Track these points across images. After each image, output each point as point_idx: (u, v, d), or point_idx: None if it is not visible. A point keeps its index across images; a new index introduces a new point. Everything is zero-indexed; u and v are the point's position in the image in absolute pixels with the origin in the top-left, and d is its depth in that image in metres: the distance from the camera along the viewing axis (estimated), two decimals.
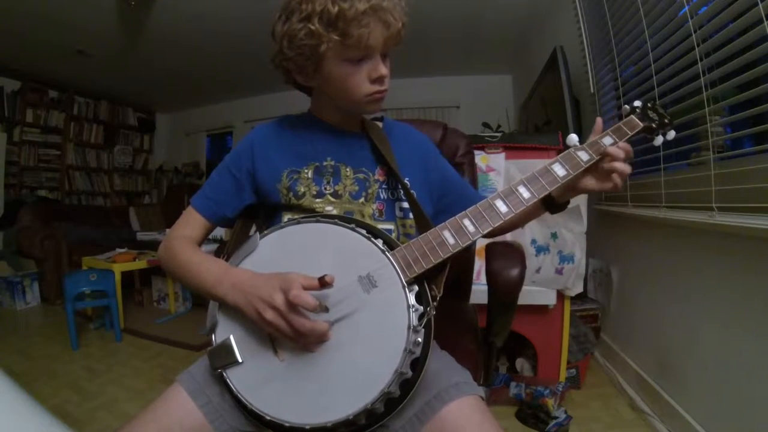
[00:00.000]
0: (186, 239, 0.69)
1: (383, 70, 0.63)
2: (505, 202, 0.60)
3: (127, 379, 1.83)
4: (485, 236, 0.67)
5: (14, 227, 3.24)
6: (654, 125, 0.68)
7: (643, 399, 1.48)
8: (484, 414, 0.55)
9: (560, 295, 1.54)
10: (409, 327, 0.51)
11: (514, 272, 0.71)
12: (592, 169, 0.64)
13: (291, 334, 0.52)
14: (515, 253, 0.77)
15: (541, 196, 0.61)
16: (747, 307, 1.03)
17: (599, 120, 0.67)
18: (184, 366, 0.63)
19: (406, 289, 0.53)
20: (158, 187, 5.42)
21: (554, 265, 1.49)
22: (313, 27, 0.58)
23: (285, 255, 0.59)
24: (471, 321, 0.98)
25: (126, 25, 2.96)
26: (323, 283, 0.52)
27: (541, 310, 1.55)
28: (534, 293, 1.51)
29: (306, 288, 0.52)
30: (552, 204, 0.70)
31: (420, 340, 0.52)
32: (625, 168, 0.62)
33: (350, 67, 0.62)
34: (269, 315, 0.52)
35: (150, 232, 3.68)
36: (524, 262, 0.74)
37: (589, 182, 0.65)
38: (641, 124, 0.67)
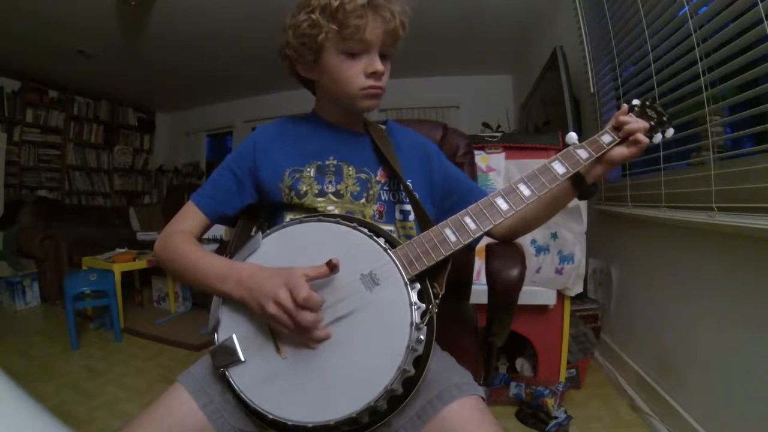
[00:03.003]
0: (185, 234, 0.68)
1: (378, 65, 0.65)
2: (505, 200, 0.61)
3: (127, 379, 1.83)
4: (512, 236, 0.76)
5: (14, 227, 3.24)
6: (652, 123, 0.68)
7: (643, 399, 1.48)
8: (484, 414, 0.55)
9: (560, 295, 1.54)
10: (411, 324, 0.52)
11: (514, 272, 0.71)
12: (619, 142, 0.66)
13: (293, 328, 0.53)
14: (515, 253, 0.77)
15: (542, 194, 0.61)
16: (747, 307, 1.03)
17: (625, 106, 0.68)
18: (184, 366, 0.63)
19: (408, 287, 0.54)
20: (158, 187, 5.42)
21: (554, 265, 1.49)
22: (314, 17, 0.62)
23: (287, 254, 0.59)
24: (471, 321, 0.98)
25: (126, 25, 2.96)
26: (332, 266, 0.54)
27: (541, 310, 1.54)
28: (534, 293, 1.51)
29: (315, 277, 0.54)
30: (582, 185, 0.68)
31: (422, 337, 0.53)
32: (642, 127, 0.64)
33: (347, 59, 0.65)
34: (272, 309, 0.52)
35: (150, 232, 3.68)
36: (524, 262, 0.74)
37: (619, 151, 0.65)
38: None
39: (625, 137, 0.64)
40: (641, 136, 0.63)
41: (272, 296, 0.52)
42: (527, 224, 0.76)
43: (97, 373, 1.87)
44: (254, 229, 0.77)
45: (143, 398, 1.64)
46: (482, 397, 0.59)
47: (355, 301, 0.55)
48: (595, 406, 1.54)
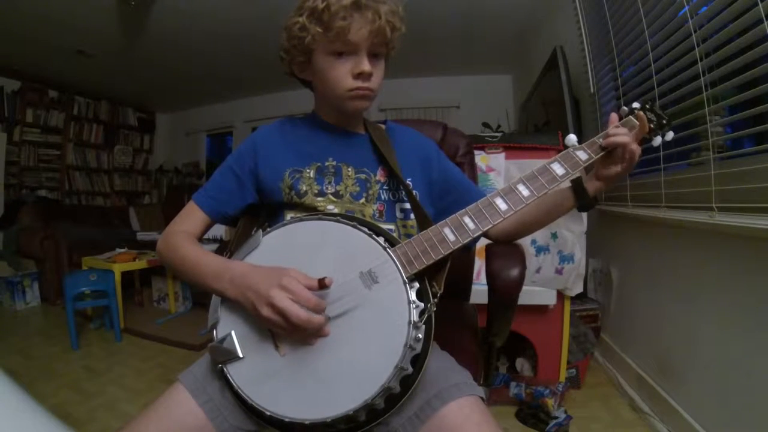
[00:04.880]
0: (186, 234, 0.69)
1: (365, 66, 0.64)
2: (504, 200, 0.61)
3: (127, 379, 1.83)
4: (510, 239, 0.75)
5: (14, 227, 3.24)
6: (652, 126, 0.68)
7: (643, 399, 1.48)
8: (483, 414, 0.55)
9: (560, 295, 1.54)
10: (409, 323, 0.52)
11: (514, 272, 0.71)
12: (611, 159, 0.65)
13: (287, 328, 0.52)
14: (515, 253, 0.77)
15: (541, 194, 0.61)
16: (747, 307, 1.03)
17: (614, 115, 0.68)
18: (184, 366, 0.63)
19: (407, 285, 0.54)
20: (158, 187, 5.42)
21: (554, 265, 1.49)
22: (302, 20, 0.63)
23: (287, 252, 0.59)
24: (471, 321, 0.98)
25: (126, 25, 2.96)
26: (322, 285, 0.53)
27: (541, 310, 1.55)
28: (534, 293, 1.51)
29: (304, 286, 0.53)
30: (584, 196, 0.67)
31: (420, 336, 0.53)
32: (635, 148, 0.63)
33: (334, 60, 0.65)
34: (266, 311, 0.52)
35: (150, 232, 3.68)
36: (524, 262, 0.74)
37: (613, 169, 0.65)
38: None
39: (611, 149, 0.63)
40: (635, 147, 0.62)
41: (265, 298, 0.52)
42: (526, 228, 0.76)
43: (97, 373, 1.87)
44: (255, 227, 0.78)
45: (143, 398, 1.64)
46: (482, 398, 0.59)
47: (353, 299, 0.55)
48: (595, 406, 1.54)
